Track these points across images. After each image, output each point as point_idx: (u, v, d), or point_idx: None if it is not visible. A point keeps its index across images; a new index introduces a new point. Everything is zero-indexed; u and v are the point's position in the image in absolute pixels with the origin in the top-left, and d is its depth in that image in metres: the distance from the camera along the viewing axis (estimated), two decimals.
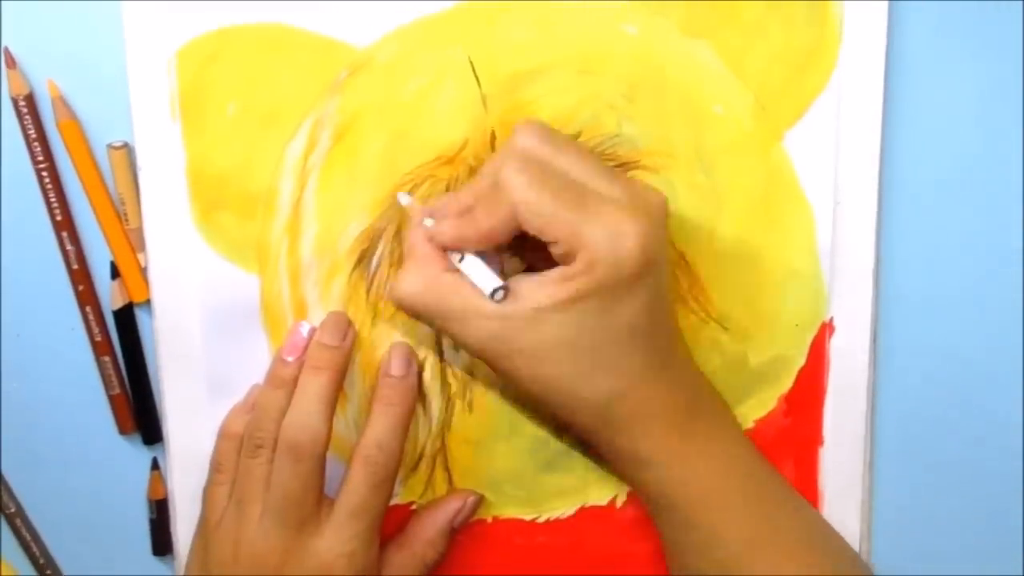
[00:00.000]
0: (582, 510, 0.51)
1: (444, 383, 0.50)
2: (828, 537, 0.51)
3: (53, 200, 0.48)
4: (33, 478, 0.51)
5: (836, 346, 0.50)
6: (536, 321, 0.43)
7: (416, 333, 0.49)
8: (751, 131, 0.48)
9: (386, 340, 0.49)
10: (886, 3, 0.47)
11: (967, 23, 0.49)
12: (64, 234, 0.48)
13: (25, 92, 0.47)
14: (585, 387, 0.44)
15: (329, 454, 0.46)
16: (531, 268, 0.46)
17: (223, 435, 0.49)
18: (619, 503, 0.52)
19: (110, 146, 0.48)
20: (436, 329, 0.47)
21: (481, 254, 0.45)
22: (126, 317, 0.49)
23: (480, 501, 0.51)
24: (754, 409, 0.51)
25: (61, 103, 0.47)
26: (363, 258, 0.48)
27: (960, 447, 0.53)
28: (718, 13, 0.47)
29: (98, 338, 0.49)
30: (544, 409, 0.49)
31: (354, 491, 0.46)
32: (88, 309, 0.49)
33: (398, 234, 0.48)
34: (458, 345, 0.47)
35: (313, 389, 0.46)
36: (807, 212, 0.49)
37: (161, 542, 0.52)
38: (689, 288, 0.50)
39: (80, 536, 0.52)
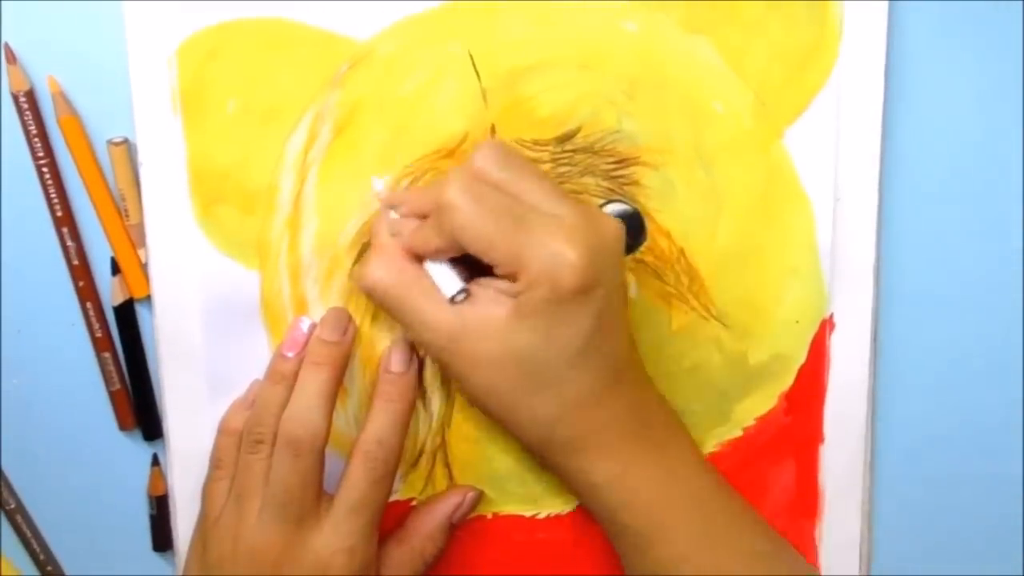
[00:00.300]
0: (581, 507, 0.51)
1: (444, 379, 0.50)
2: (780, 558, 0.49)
3: (53, 196, 0.48)
4: (33, 474, 0.51)
5: (837, 343, 0.50)
6: (487, 329, 0.44)
7: None
8: (751, 128, 0.48)
9: (386, 336, 0.49)
10: (886, 1, 0.47)
11: (967, 22, 0.49)
12: (64, 230, 0.48)
13: (25, 88, 0.47)
14: (528, 407, 0.45)
15: (329, 450, 0.46)
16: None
17: (223, 431, 0.49)
18: None
19: (110, 142, 0.48)
20: (396, 319, 0.46)
21: None
22: (126, 313, 0.49)
23: (479, 497, 0.51)
24: (754, 407, 0.51)
25: (61, 99, 0.47)
26: (364, 253, 0.48)
27: (960, 445, 0.53)
28: (718, 10, 0.47)
29: (98, 334, 0.49)
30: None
31: (354, 487, 0.46)
32: (88, 305, 0.49)
33: None
34: (413, 339, 0.48)
35: (313, 385, 0.46)
36: (807, 209, 0.49)
37: (161, 538, 0.52)
38: (689, 285, 0.50)
39: (80, 532, 0.52)
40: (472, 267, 0.45)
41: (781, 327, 0.50)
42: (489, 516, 0.51)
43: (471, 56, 0.47)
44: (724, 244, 0.49)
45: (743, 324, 0.50)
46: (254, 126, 0.47)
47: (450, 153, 0.48)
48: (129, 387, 0.50)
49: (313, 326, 0.48)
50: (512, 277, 0.43)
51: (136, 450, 0.51)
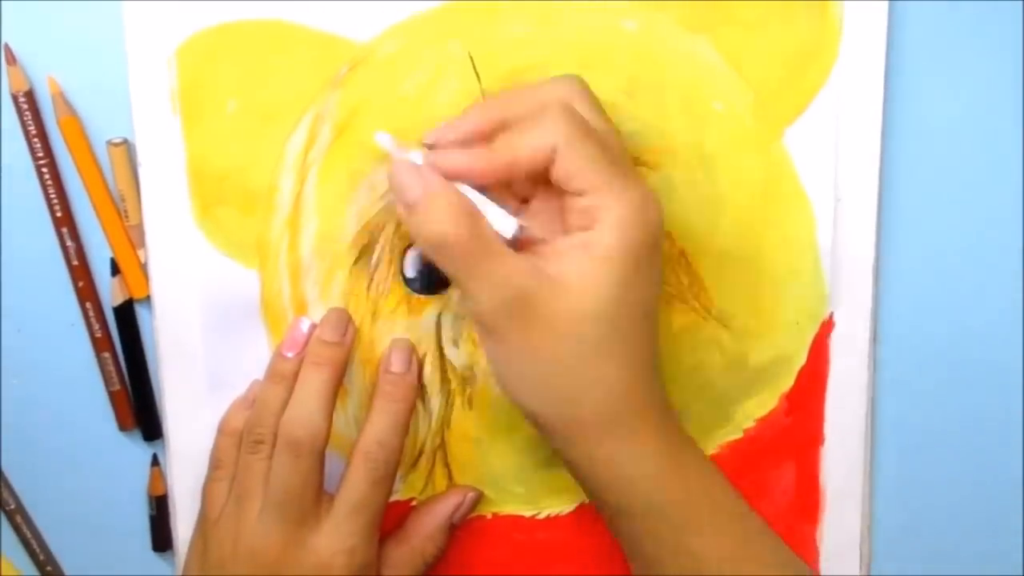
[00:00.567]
0: (581, 507, 0.51)
1: (444, 379, 0.50)
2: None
3: (53, 196, 0.48)
4: (33, 474, 0.51)
5: (837, 344, 0.50)
6: (567, 282, 0.41)
7: (417, 329, 0.49)
8: (751, 128, 0.48)
9: (386, 336, 0.49)
10: (886, 1, 0.47)
11: (967, 22, 0.49)
12: (64, 230, 0.48)
13: (25, 88, 0.47)
14: (596, 370, 0.42)
15: (329, 450, 0.46)
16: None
17: (223, 431, 0.49)
18: None
19: (110, 142, 0.48)
20: (457, 277, 0.42)
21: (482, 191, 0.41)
22: (126, 313, 0.49)
23: (479, 497, 0.51)
24: (755, 408, 0.51)
25: (61, 99, 0.47)
26: (363, 254, 0.48)
27: (960, 445, 0.53)
28: (718, 10, 0.47)
29: (98, 334, 0.49)
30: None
31: (354, 487, 0.46)
32: (88, 305, 0.49)
33: (399, 230, 0.48)
34: (470, 299, 0.42)
35: (313, 385, 0.46)
36: (807, 209, 0.49)
37: (161, 538, 0.52)
38: (689, 286, 0.50)
39: (80, 532, 0.52)
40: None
41: (781, 327, 0.50)
42: (489, 516, 0.52)
43: (471, 57, 0.47)
44: (724, 244, 0.49)
45: (743, 324, 0.50)
46: (254, 127, 0.47)
47: None
48: (129, 387, 0.50)
49: (313, 326, 0.48)
50: (586, 216, 0.41)
51: (136, 450, 0.51)
